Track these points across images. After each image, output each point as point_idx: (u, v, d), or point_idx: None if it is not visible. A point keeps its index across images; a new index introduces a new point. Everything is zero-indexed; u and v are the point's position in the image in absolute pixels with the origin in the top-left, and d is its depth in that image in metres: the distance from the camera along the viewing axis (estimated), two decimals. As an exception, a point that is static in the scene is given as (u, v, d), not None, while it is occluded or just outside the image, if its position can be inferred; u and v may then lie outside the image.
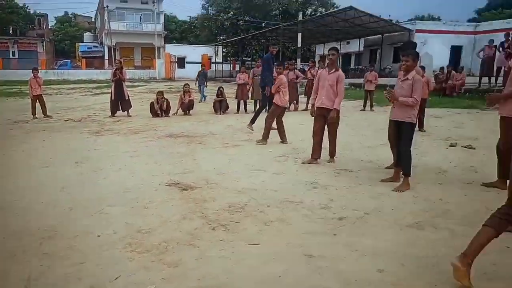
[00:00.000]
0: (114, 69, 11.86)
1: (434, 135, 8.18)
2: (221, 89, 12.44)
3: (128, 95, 11.81)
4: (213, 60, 43.43)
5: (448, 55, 28.71)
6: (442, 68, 15.34)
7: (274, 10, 50.31)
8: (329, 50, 5.92)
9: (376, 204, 4.24)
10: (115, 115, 11.56)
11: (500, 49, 12.98)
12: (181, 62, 43.01)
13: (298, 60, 28.01)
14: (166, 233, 3.54)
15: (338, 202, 4.29)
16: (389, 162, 5.54)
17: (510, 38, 12.90)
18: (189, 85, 12.36)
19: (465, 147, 6.96)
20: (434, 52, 27.38)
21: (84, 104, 15.42)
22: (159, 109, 11.50)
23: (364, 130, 8.84)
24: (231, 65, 44.71)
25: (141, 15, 44.65)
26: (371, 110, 12.39)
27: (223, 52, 46.67)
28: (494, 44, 13.74)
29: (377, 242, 3.33)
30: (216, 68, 41.93)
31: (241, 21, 48.57)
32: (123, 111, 11.63)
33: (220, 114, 12.00)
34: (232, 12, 48.56)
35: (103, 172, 5.59)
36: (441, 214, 3.90)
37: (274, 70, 8.39)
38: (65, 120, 10.90)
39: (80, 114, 12.29)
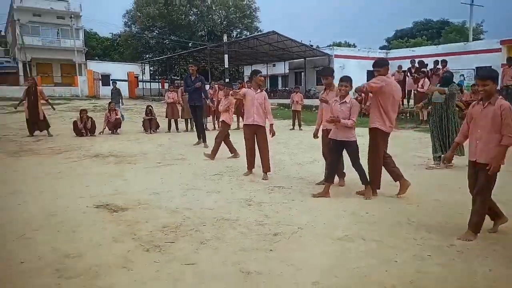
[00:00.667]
0: (26, 88, 11.14)
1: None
2: (150, 107, 12.19)
3: (44, 115, 11.08)
4: (140, 78, 42.38)
5: (366, 79, 30.97)
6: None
7: (200, 31, 50.76)
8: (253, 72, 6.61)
9: (309, 218, 4.41)
10: (34, 134, 10.78)
11: (408, 74, 14.35)
12: (105, 79, 41.34)
13: (227, 80, 28.38)
14: (96, 257, 3.37)
15: (272, 218, 4.39)
16: (320, 178, 5.81)
17: (415, 65, 14.32)
18: (114, 103, 11.93)
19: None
20: (352, 75, 29.11)
21: (1, 123, 14.19)
22: (83, 127, 10.93)
23: (294, 148, 9.17)
24: (160, 83, 43.94)
25: (58, 30, 42.37)
26: (300, 129, 12.83)
27: (150, 70, 45.78)
28: (403, 69, 15.13)
29: (311, 256, 3.46)
30: (144, 86, 40.95)
31: (166, 40, 48.24)
32: (41, 131, 10.89)
33: (150, 133, 11.71)
34: (157, 31, 48.09)
35: (23, 195, 5.18)
36: (368, 227, 4.16)
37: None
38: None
39: (-6, 134, 11.29)
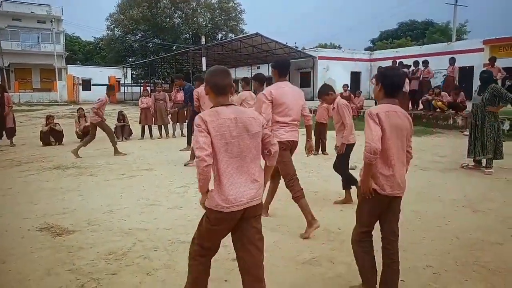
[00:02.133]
0: None
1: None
2: (122, 113, 11.65)
3: (14, 121, 10.51)
4: (122, 82, 41.62)
5: (349, 80, 30.82)
6: (346, 85, 16.08)
7: (184, 33, 50.17)
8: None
9: (276, 238, 3.98)
10: (-4, 144, 10.20)
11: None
12: (86, 84, 40.54)
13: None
14: (22, 295, 2.89)
15: (234, 239, 3.94)
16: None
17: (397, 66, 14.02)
18: (83, 110, 11.35)
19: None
20: (337, 77, 29.01)
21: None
22: (49, 136, 10.36)
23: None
24: (142, 87, 43.21)
25: (39, 34, 41.45)
26: None
27: (132, 74, 45.00)
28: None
29: (272, 285, 3.03)
30: (126, 91, 40.21)
31: (150, 43, 47.53)
32: (8, 139, 10.29)
33: (122, 140, 11.18)
34: (140, 34, 47.36)
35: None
36: (338, 246, 3.75)
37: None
38: None
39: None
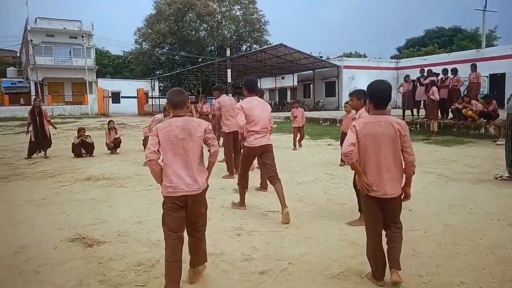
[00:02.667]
0: (31, 108, 10.90)
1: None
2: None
3: (49, 133, 10.93)
4: (150, 94, 42.59)
5: (376, 89, 30.41)
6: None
7: (209, 46, 50.97)
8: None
9: (302, 250, 3.94)
10: (32, 156, 10.57)
11: (417, 84, 13.78)
12: (115, 97, 41.74)
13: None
14: (55, 305, 2.96)
15: (262, 251, 3.94)
16: (318, 201, 5.34)
17: (424, 74, 13.81)
18: (114, 122, 11.66)
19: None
20: (362, 86, 28.58)
21: (1, 145, 14.07)
22: (81, 148, 10.67)
23: (296, 166, 8.70)
24: (169, 99, 44.06)
25: (71, 49, 43.09)
26: (299, 146, 11.62)
27: (160, 86, 45.97)
28: (412, 79, 14.56)
29: (300, 299, 3.00)
30: (154, 103, 41.08)
31: (176, 56, 48.50)
32: (42, 151, 10.68)
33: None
34: (167, 47, 48.41)
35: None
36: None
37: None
38: (-30, 164, 9.75)
39: (-10, 156, 11.12)
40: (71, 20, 43.04)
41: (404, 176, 3.14)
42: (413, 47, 56.69)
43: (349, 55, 50.68)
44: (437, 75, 13.39)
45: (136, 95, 41.73)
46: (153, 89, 42.90)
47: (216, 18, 48.55)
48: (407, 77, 14.49)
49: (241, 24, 49.49)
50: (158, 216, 5.12)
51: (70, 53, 42.85)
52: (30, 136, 10.61)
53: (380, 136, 3.02)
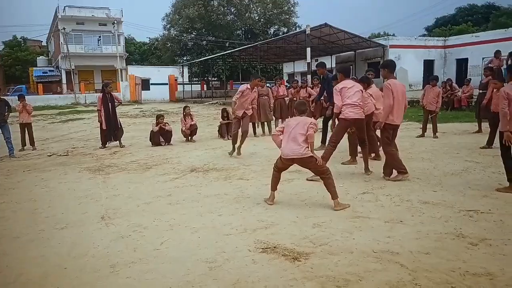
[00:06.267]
0: (101, 94, 9.99)
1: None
2: (227, 110, 11.00)
3: (120, 122, 10.14)
4: (179, 80, 41.76)
5: (422, 69, 28.94)
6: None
7: (237, 29, 49.72)
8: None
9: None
10: (106, 146, 9.82)
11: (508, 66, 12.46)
12: (145, 84, 41.03)
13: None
14: None
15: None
16: None
17: None
18: (189, 108, 10.82)
19: None
20: (409, 66, 27.35)
21: (59, 134, 13.42)
22: (159, 136, 9.87)
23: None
24: (200, 85, 43.22)
25: (99, 37, 42.51)
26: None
27: (188, 72, 45.11)
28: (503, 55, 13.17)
29: None
30: (184, 89, 40.26)
31: (204, 41, 47.42)
32: (116, 140, 9.90)
33: (228, 138, 10.50)
34: (194, 33, 47.34)
35: (150, 232, 4.00)
36: None
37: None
38: (48, 155, 9.01)
39: (60, 146, 10.41)
40: (100, 8, 42.34)
41: None
42: (445, 25, 54.52)
43: (378, 36, 48.71)
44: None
45: (166, 82, 40.98)
46: (182, 75, 42.03)
47: (244, 1, 47.17)
48: (497, 53, 13.12)
49: (269, 6, 47.94)
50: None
51: (99, 40, 42.28)
52: (101, 124, 9.81)
53: None
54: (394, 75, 5.84)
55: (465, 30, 45.27)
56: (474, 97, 14.36)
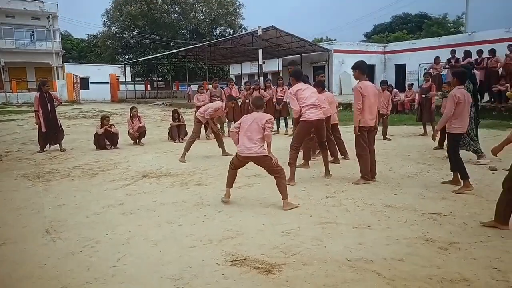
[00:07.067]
0: (38, 94, 9.15)
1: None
2: (177, 112, 10.58)
3: (61, 124, 9.37)
4: (121, 80, 40.07)
5: (364, 74, 30.01)
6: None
7: (182, 29, 48.74)
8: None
9: None
10: (45, 149, 9.04)
11: (448, 67, 13.25)
12: (84, 83, 38.94)
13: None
14: None
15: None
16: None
17: (455, 55, 13.29)
18: (137, 109, 10.26)
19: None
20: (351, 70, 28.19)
21: (-13, 137, 12.21)
22: (104, 139, 9.25)
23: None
24: (144, 85, 41.71)
25: (32, 31, 39.65)
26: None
27: (131, 71, 43.40)
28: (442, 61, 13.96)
29: None
30: (127, 89, 38.66)
31: (147, 40, 45.94)
32: (56, 143, 9.14)
33: (178, 141, 10.11)
34: (137, 31, 45.72)
35: (104, 246, 3.61)
36: None
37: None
38: (-23, 161, 8.10)
39: (-10, 150, 9.44)
40: (33, 0, 39.47)
41: None
42: (382, 32, 57.36)
43: (320, 40, 50.06)
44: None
45: (107, 81, 39.19)
46: (124, 75, 40.37)
47: (189, 1, 46.35)
48: (437, 59, 13.82)
49: (214, 6, 47.52)
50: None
51: (32, 36, 39.46)
52: (39, 126, 9.01)
53: None
54: (365, 77, 5.61)
55: (401, 37, 47.81)
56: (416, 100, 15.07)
